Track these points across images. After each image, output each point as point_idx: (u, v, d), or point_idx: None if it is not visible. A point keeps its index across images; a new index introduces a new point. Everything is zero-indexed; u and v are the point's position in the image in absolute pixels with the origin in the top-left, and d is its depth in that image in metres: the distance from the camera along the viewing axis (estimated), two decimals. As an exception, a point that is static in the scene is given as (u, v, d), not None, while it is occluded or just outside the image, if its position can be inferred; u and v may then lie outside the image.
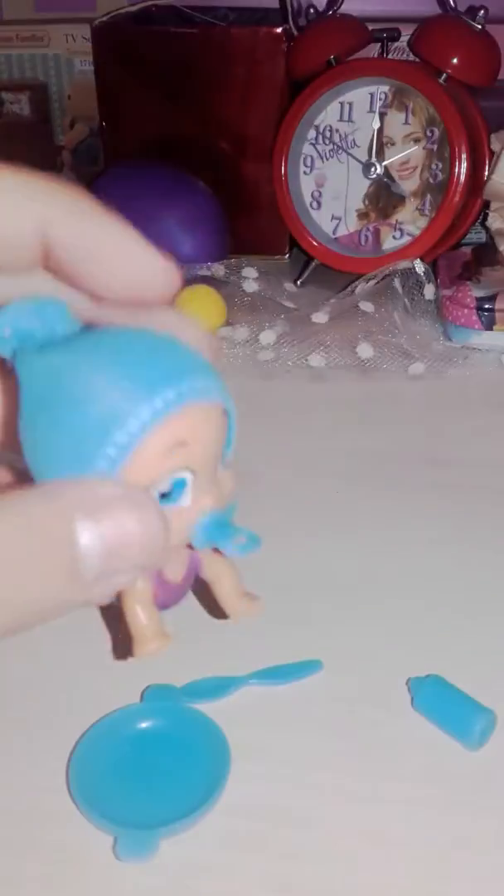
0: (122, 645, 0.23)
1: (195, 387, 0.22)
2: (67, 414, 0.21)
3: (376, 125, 0.69)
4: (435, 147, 0.68)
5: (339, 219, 0.72)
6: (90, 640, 0.36)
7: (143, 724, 0.32)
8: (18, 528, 0.19)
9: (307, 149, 0.71)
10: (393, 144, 0.69)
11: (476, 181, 0.67)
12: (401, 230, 0.71)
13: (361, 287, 0.62)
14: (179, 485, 0.22)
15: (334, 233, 0.72)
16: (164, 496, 0.22)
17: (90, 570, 0.20)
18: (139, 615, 0.24)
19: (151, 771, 0.30)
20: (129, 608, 0.24)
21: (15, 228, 0.23)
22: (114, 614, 0.25)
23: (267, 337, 0.59)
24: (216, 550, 0.24)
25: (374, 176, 0.70)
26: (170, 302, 0.24)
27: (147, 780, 0.30)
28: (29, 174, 0.24)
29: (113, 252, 0.24)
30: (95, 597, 0.21)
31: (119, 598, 0.23)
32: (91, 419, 0.21)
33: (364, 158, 0.70)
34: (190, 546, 0.24)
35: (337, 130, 0.71)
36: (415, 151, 0.69)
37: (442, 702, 0.32)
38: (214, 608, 0.26)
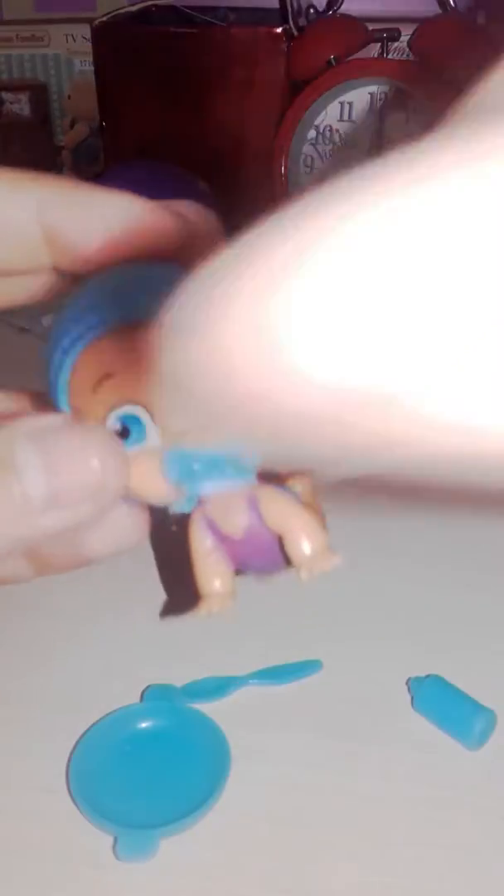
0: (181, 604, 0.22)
1: (128, 313, 0.19)
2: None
3: (376, 125, 0.69)
4: (435, 147, 0.68)
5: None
6: (90, 640, 0.36)
7: (143, 724, 0.32)
8: None
9: (307, 149, 0.71)
10: (393, 144, 0.69)
11: (476, 181, 0.67)
12: (401, 230, 0.71)
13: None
14: (133, 422, 0.20)
15: (334, 233, 0.72)
16: (122, 436, 0.20)
17: (34, 490, 0.19)
18: (200, 572, 0.22)
19: (151, 771, 0.30)
20: (194, 564, 0.22)
21: (13, 218, 0.23)
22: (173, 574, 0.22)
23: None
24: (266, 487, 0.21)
25: (374, 176, 0.70)
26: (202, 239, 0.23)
27: (147, 780, 0.30)
28: (10, 170, 0.23)
29: (109, 212, 0.23)
30: (47, 527, 0.20)
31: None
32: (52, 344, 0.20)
33: (364, 158, 0.70)
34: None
35: (337, 130, 0.71)
36: (415, 151, 0.69)
37: (442, 702, 0.32)
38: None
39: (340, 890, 0.27)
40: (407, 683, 0.33)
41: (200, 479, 0.20)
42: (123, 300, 0.20)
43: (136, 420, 0.20)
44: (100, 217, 0.23)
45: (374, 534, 0.43)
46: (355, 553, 0.43)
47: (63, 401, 0.20)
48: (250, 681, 0.34)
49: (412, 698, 0.33)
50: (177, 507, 0.21)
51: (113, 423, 0.20)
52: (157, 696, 0.33)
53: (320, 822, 0.29)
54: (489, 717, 0.31)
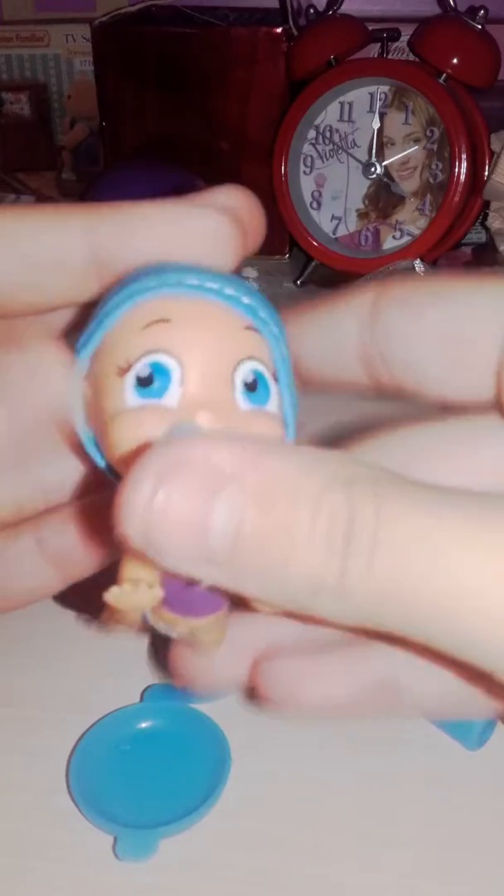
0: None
1: (219, 289, 0.20)
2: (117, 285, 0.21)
3: (376, 125, 0.69)
4: (435, 147, 0.68)
5: (339, 219, 0.72)
6: (90, 640, 0.36)
7: (143, 724, 0.32)
8: None
9: (307, 149, 0.71)
10: (393, 144, 0.69)
11: (476, 181, 0.67)
12: (401, 230, 0.71)
13: (361, 287, 0.62)
14: (160, 371, 0.19)
15: (334, 233, 0.72)
16: (141, 384, 0.19)
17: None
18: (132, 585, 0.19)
19: (151, 771, 0.30)
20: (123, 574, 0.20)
21: (63, 246, 0.22)
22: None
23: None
24: None
25: (374, 176, 0.70)
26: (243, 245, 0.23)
27: (147, 780, 0.30)
28: (50, 205, 0.23)
29: (161, 228, 0.23)
30: None
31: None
32: (126, 281, 0.20)
33: (364, 158, 0.70)
34: None
35: (337, 130, 0.71)
36: (415, 151, 0.69)
37: (442, 702, 0.32)
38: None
39: (340, 890, 0.27)
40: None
41: None
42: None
43: (164, 372, 0.19)
44: (147, 236, 0.22)
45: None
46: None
47: (101, 331, 0.20)
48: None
49: (412, 698, 0.33)
50: None
51: (143, 364, 0.19)
52: (157, 696, 0.33)
53: (320, 822, 0.29)
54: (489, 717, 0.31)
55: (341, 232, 0.72)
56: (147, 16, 0.79)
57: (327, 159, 0.71)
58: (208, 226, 0.22)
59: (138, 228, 0.22)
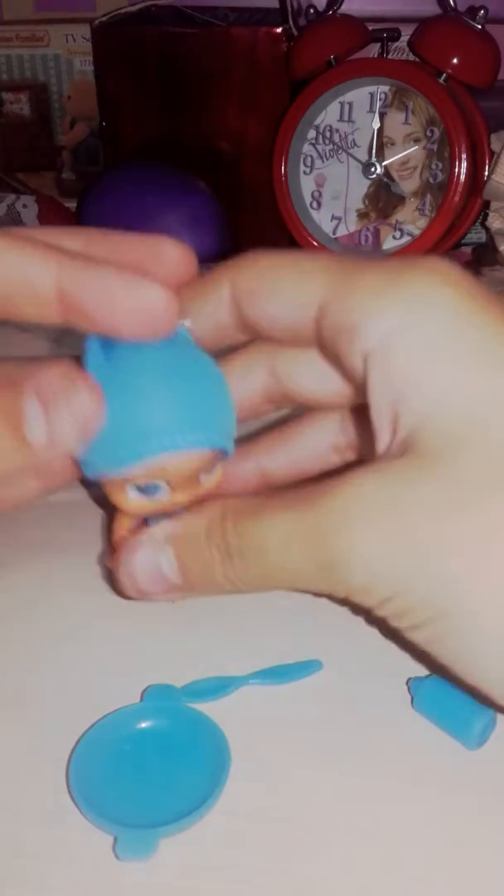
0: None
1: (197, 438, 0.29)
2: (119, 408, 0.29)
3: (376, 125, 0.69)
4: (435, 147, 0.68)
5: (339, 219, 0.72)
6: (90, 640, 0.36)
7: (143, 724, 0.32)
8: None
9: (307, 149, 0.72)
10: (393, 144, 0.69)
11: (476, 181, 0.67)
12: (401, 230, 0.71)
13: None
14: (155, 487, 0.31)
15: (334, 233, 0.72)
16: (141, 489, 0.31)
17: (38, 436, 0.28)
18: (117, 537, 0.33)
19: (151, 771, 0.30)
20: (114, 528, 0.33)
21: (33, 279, 0.28)
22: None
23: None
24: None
25: (374, 176, 0.70)
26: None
27: (147, 780, 0.30)
28: (24, 233, 0.29)
29: (118, 290, 0.28)
30: (49, 458, 0.29)
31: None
32: (130, 423, 0.29)
33: (364, 158, 0.70)
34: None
35: (337, 130, 0.71)
36: (415, 151, 0.69)
37: (442, 702, 0.32)
38: None
39: (340, 890, 0.27)
40: (407, 683, 0.33)
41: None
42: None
43: (157, 487, 0.31)
44: (107, 289, 0.28)
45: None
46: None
47: (126, 467, 0.30)
48: (250, 681, 0.34)
49: (412, 698, 0.33)
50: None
51: (143, 483, 0.30)
52: (157, 696, 0.33)
53: (320, 822, 0.29)
54: (489, 717, 0.31)
55: (341, 232, 0.72)
56: (147, 16, 0.79)
57: (327, 159, 0.71)
58: (147, 303, 0.28)
59: (107, 291, 0.28)
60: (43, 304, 0.29)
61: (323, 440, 0.36)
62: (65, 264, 0.28)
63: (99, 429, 0.29)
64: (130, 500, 0.31)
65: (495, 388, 0.25)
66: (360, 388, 0.28)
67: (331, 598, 0.29)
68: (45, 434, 0.28)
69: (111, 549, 0.34)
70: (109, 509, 0.34)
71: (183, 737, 0.31)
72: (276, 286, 0.30)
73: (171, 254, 0.31)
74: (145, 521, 0.33)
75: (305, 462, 0.36)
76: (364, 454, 0.34)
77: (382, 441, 0.27)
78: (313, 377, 0.32)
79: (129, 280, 0.28)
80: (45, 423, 0.28)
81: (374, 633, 0.36)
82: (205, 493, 0.32)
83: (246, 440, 0.33)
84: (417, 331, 0.25)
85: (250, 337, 0.32)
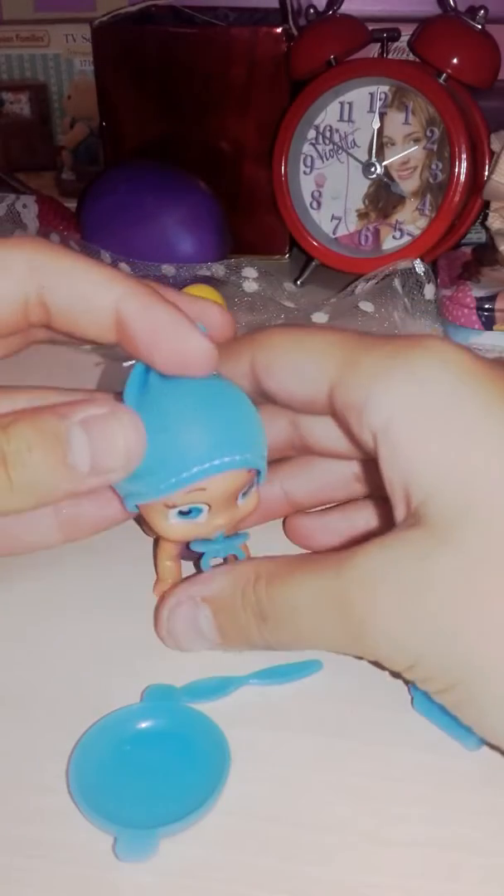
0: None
1: (234, 459, 0.31)
2: (159, 435, 0.31)
3: (376, 125, 0.69)
4: (435, 147, 0.68)
5: (339, 219, 0.72)
6: (90, 640, 0.36)
7: (143, 724, 0.32)
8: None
9: (307, 149, 0.71)
10: (393, 144, 0.69)
11: (476, 181, 0.67)
12: (401, 230, 0.71)
13: (361, 287, 0.62)
14: (196, 510, 0.33)
15: (334, 233, 0.72)
16: (183, 513, 0.33)
17: (81, 461, 0.29)
18: (162, 566, 0.36)
19: (151, 771, 0.30)
20: (158, 559, 0.36)
21: (98, 302, 0.31)
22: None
23: (267, 337, 0.59)
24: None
25: (374, 176, 0.70)
26: (208, 368, 0.32)
27: (147, 780, 0.30)
28: (96, 262, 0.31)
29: (170, 330, 0.31)
30: (88, 487, 0.30)
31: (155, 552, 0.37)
32: (171, 449, 0.31)
33: (364, 158, 0.70)
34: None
35: (337, 130, 0.71)
36: (415, 151, 0.69)
37: (442, 702, 0.32)
38: None
39: (340, 890, 0.27)
40: (407, 683, 0.33)
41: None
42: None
43: (199, 510, 0.33)
44: (157, 325, 0.31)
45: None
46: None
47: (170, 490, 0.32)
48: (251, 680, 0.34)
49: (412, 698, 0.33)
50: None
51: (186, 506, 0.32)
52: (156, 696, 0.33)
53: (320, 822, 0.29)
54: (489, 717, 0.31)
55: (341, 232, 0.72)
56: (147, 16, 0.79)
57: (327, 159, 0.71)
58: (199, 344, 0.31)
59: (152, 311, 0.31)
60: (103, 326, 0.31)
61: (346, 470, 0.37)
62: (128, 293, 0.31)
63: (140, 458, 0.31)
64: (171, 525, 0.33)
65: (490, 464, 0.26)
66: (373, 457, 0.29)
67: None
68: (88, 460, 0.29)
69: (158, 578, 0.37)
70: (149, 532, 0.36)
71: (183, 737, 0.31)
72: (291, 364, 0.32)
73: (214, 318, 0.34)
74: (187, 546, 0.35)
75: (329, 489, 0.38)
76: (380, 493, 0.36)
77: (399, 511, 0.29)
78: (331, 436, 0.34)
79: (180, 323, 0.31)
80: (89, 450, 0.29)
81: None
82: (242, 515, 0.34)
83: (271, 463, 0.34)
84: (417, 412, 0.27)
85: (270, 404, 0.34)
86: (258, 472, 0.34)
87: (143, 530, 0.38)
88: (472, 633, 0.26)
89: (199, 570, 0.36)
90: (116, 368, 0.34)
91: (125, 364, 0.33)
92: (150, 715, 0.32)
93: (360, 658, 0.30)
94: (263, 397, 0.33)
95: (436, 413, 0.27)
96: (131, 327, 0.30)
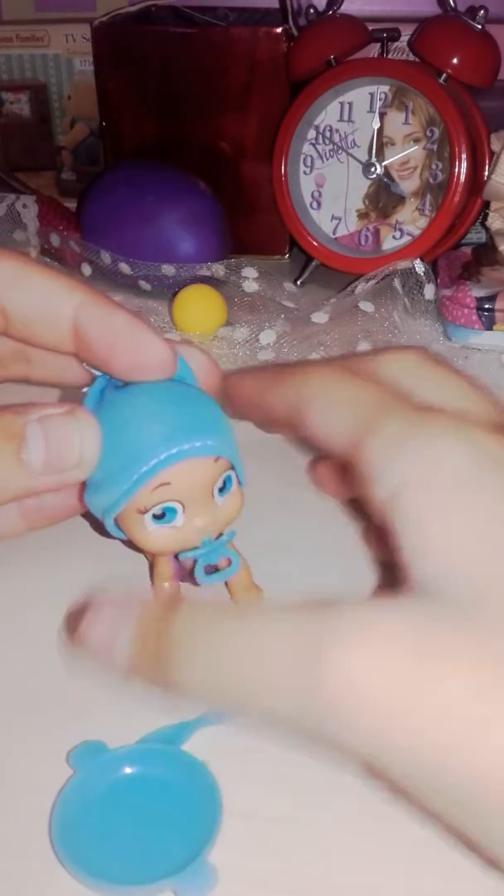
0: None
1: (194, 446, 0.30)
2: (117, 438, 0.31)
3: (376, 125, 0.69)
4: (435, 147, 0.68)
5: (339, 219, 0.72)
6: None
7: (129, 770, 0.30)
8: None
9: (307, 149, 0.71)
10: (393, 144, 0.69)
11: (476, 181, 0.67)
12: (401, 230, 0.71)
13: (361, 287, 0.62)
14: (170, 511, 0.31)
15: (334, 233, 0.72)
16: (157, 517, 0.31)
17: (36, 458, 0.30)
18: (159, 589, 0.35)
19: (139, 821, 0.29)
20: (155, 582, 0.35)
21: (56, 309, 0.32)
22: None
23: (267, 337, 0.59)
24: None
25: (374, 176, 0.70)
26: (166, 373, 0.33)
27: (135, 832, 0.28)
28: (55, 272, 0.33)
29: (129, 335, 0.32)
30: (42, 485, 0.31)
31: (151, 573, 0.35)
32: (129, 446, 0.31)
33: (364, 158, 0.70)
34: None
35: (337, 130, 0.71)
36: (415, 151, 0.69)
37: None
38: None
39: (340, 890, 0.27)
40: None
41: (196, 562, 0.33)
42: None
43: (172, 510, 0.31)
44: (115, 332, 0.32)
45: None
46: (356, 552, 0.43)
47: (125, 499, 0.31)
48: (206, 721, 0.32)
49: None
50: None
51: (157, 508, 0.31)
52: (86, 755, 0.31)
53: (320, 822, 0.29)
54: (489, 717, 0.31)
55: (341, 232, 0.72)
56: (147, 16, 0.79)
57: (327, 159, 0.71)
58: (159, 350, 0.32)
59: (110, 325, 0.33)
60: (61, 334, 0.32)
61: None
62: (87, 301, 0.32)
63: (96, 458, 0.31)
64: (150, 533, 0.32)
65: (497, 550, 0.25)
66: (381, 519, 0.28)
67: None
68: (42, 456, 0.30)
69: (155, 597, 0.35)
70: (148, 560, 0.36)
71: (171, 783, 0.30)
72: (334, 405, 0.31)
73: (201, 364, 0.34)
74: (175, 557, 0.34)
75: None
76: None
77: (397, 576, 0.27)
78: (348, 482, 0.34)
79: (138, 328, 0.32)
80: (45, 447, 0.30)
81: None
82: (225, 515, 0.33)
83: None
84: (426, 490, 0.27)
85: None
86: (232, 467, 0.32)
87: (146, 556, 0.37)
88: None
89: (195, 585, 0.34)
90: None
91: (83, 390, 0.33)
92: (136, 760, 0.30)
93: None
94: (292, 432, 0.33)
95: (446, 491, 0.27)
96: (89, 334, 0.31)
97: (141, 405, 0.31)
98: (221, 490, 0.32)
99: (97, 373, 0.33)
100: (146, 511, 0.31)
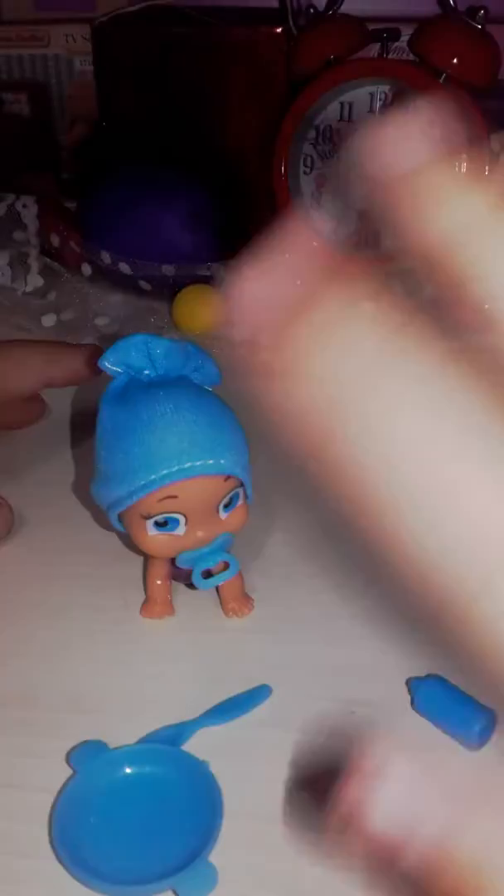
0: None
1: (206, 464, 0.31)
2: (132, 439, 0.31)
3: (376, 125, 0.69)
4: (435, 147, 0.68)
5: (339, 219, 0.72)
6: (91, 640, 0.36)
7: (129, 770, 0.30)
8: None
9: (307, 149, 0.71)
10: (393, 144, 0.69)
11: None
12: (401, 230, 0.70)
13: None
14: (173, 521, 0.32)
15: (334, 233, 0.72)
16: (160, 525, 0.32)
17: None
18: (151, 585, 0.35)
19: (139, 822, 0.29)
20: (148, 578, 0.36)
21: (28, 382, 0.46)
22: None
23: (267, 337, 0.59)
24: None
25: (374, 176, 0.70)
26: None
27: (136, 833, 0.28)
28: (33, 344, 0.49)
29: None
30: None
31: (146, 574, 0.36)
32: (141, 453, 0.31)
33: (364, 158, 0.70)
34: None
35: (337, 130, 0.70)
36: (415, 151, 0.69)
37: (442, 702, 0.32)
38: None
39: (341, 890, 0.27)
40: (407, 684, 0.33)
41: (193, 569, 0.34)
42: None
43: (175, 520, 0.32)
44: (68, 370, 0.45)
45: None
46: (356, 552, 0.43)
47: (131, 501, 0.32)
48: (206, 723, 0.32)
49: (412, 699, 0.33)
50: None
51: (161, 517, 0.32)
52: (87, 756, 0.30)
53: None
54: (489, 717, 0.31)
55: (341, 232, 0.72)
56: (147, 16, 0.79)
57: (327, 159, 0.71)
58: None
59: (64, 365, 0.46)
60: (33, 383, 0.45)
61: None
62: (49, 370, 0.45)
63: (115, 462, 0.32)
64: (151, 538, 0.33)
65: None
66: None
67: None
68: None
69: (148, 598, 0.36)
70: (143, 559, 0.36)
71: (172, 782, 0.30)
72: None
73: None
74: (173, 563, 0.35)
75: None
76: None
77: None
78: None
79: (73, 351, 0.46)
80: None
81: (373, 633, 0.36)
82: (227, 530, 0.33)
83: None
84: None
85: None
86: (242, 484, 0.33)
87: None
88: None
89: (191, 587, 0.35)
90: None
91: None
92: (135, 760, 0.30)
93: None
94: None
95: None
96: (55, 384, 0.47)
97: (161, 412, 0.32)
98: (227, 506, 0.33)
99: (118, 370, 0.33)
100: (150, 517, 0.32)
